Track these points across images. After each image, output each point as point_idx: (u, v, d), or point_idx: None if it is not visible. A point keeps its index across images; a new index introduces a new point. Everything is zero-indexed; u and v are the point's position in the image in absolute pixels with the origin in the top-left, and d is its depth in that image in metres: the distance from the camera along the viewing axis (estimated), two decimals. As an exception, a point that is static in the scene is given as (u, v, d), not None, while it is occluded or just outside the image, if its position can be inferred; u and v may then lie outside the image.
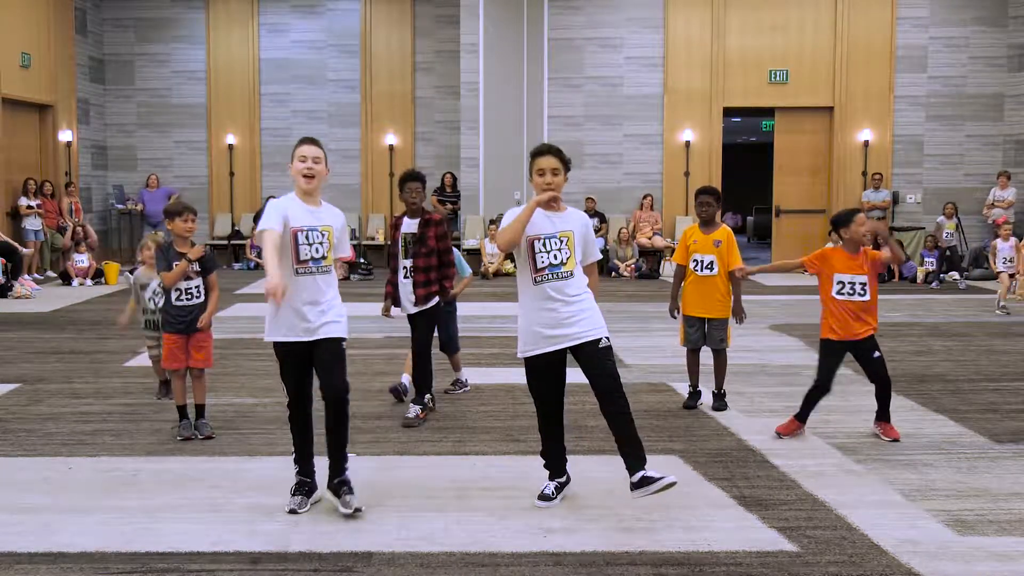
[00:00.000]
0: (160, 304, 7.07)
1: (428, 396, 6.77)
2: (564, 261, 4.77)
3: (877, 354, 6.13)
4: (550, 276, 4.76)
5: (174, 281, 6.18)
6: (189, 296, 6.26)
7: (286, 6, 18.89)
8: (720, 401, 7.08)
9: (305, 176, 4.83)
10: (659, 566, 4.20)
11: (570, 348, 4.79)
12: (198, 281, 6.27)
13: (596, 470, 5.41)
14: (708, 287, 6.90)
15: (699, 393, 7.19)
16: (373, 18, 18.81)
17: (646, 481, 4.62)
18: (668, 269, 17.32)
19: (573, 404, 6.24)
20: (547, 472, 5.09)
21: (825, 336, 6.17)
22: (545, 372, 4.90)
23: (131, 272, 11.69)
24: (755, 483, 5.35)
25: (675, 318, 7.13)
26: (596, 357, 4.73)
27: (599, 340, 4.75)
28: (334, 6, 18.86)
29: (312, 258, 4.79)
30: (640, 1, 17.96)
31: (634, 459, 4.69)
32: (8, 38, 16.00)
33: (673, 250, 17.07)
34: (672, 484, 4.62)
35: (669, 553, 4.34)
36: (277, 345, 4.89)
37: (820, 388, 6.19)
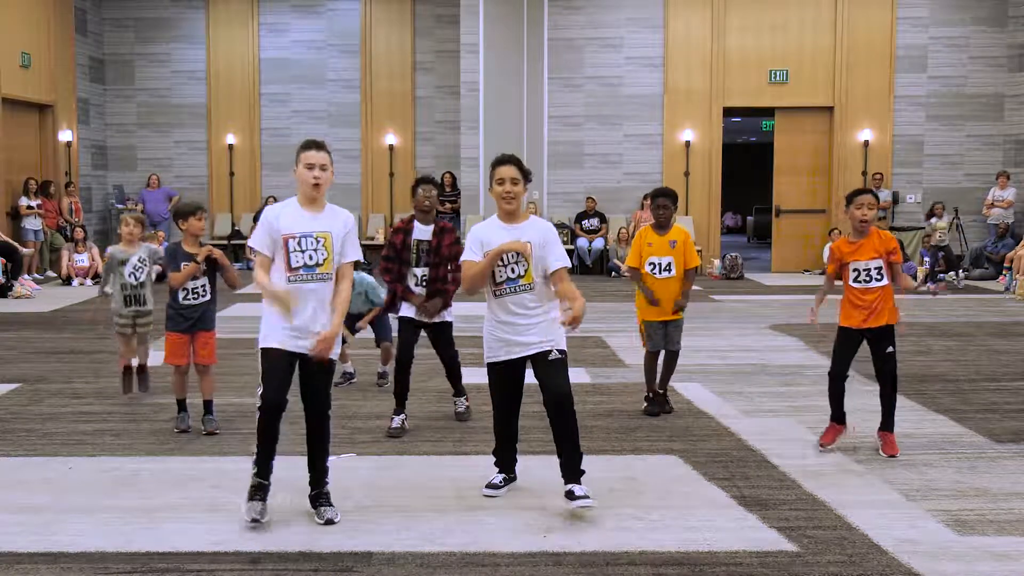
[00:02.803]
0: (141, 278, 7.11)
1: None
2: (522, 274, 4.75)
3: (890, 349, 5.92)
4: (509, 290, 4.77)
5: (182, 282, 6.27)
6: (196, 296, 6.36)
7: (286, 6, 18.88)
8: (666, 404, 6.92)
9: (313, 185, 4.73)
10: (659, 566, 4.20)
11: (528, 357, 4.83)
12: (204, 280, 6.37)
13: (596, 470, 5.40)
14: (666, 290, 6.75)
15: (664, 399, 6.96)
16: (373, 18, 18.81)
17: (569, 495, 4.76)
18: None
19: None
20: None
21: (843, 324, 5.93)
22: (504, 379, 4.97)
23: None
24: (755, 483, 5.35)
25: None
26: (549, 368, 4.77)
27: (550, 352, 4.76)
28: (334, 6, 18.86)
29: (305, 265, 4.60)
30: (640, 1, 17.95)
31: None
32: (8, 38, 15.99)
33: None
34: (589, 507, 4.70)
35: (669, 553, 4.34)
36: (267, 350, 4.66)
37: (836, 377, 5.97)
